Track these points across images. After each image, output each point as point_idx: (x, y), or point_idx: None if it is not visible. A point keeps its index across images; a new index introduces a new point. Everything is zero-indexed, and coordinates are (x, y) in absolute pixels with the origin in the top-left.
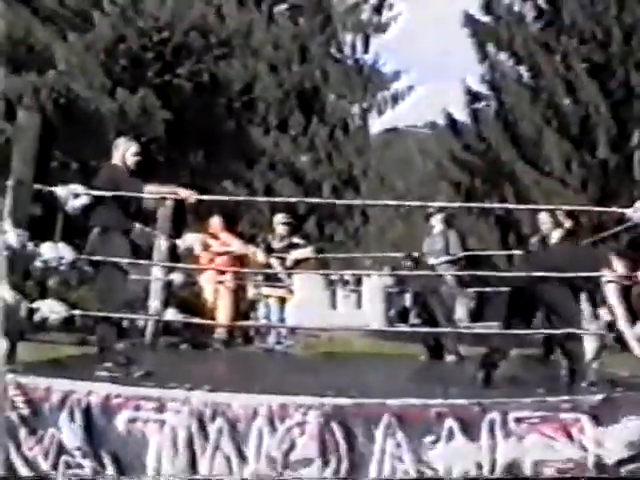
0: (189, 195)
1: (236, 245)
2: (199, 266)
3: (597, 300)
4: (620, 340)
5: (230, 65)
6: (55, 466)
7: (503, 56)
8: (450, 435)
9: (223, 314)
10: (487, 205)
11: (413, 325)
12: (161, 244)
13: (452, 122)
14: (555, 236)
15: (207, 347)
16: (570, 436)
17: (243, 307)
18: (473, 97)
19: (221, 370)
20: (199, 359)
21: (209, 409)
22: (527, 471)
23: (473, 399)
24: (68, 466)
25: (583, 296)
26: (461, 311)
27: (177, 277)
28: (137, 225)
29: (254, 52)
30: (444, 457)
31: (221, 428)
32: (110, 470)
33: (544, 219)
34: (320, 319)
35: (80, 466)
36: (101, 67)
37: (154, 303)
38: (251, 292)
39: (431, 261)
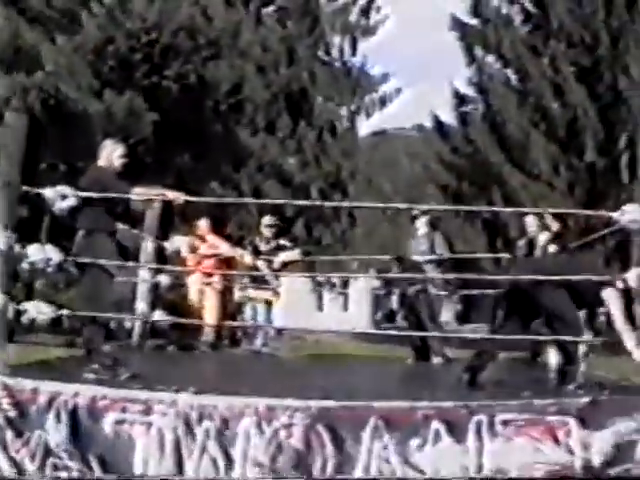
0: (177, 197)
1: (223, 247)
2: (186, 268)
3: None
4: (608, 344)
5: (218, 66)
6: (42, 468)
7: (491, 59)
8: (437, 437)
9: (210, 316)
10: (474, 208)
11: (400, 327)
12: (148, 246)
13: (440, 125)
14: (542, 239)
15: (194, 349)
16: (557, 439)
17: (230, 309)
18: (461, 100)
19: (208, 372)
20: (186, 361)
21: (196, 411)
22: (513, 474)
23: (460, 401)
24: (55, 468)
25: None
26: (448, 313)
27: (164, 279)
28: (121, 226)
29: (242, 54)
30: (431, 459)
31: (208, 430)
32: (97, 472)
33: (531, 222)
34: (307, 321)
35: (67, 468)
36: (89, 68)
37: (141, 305)
38: (238, 294)
39: (416, 258)
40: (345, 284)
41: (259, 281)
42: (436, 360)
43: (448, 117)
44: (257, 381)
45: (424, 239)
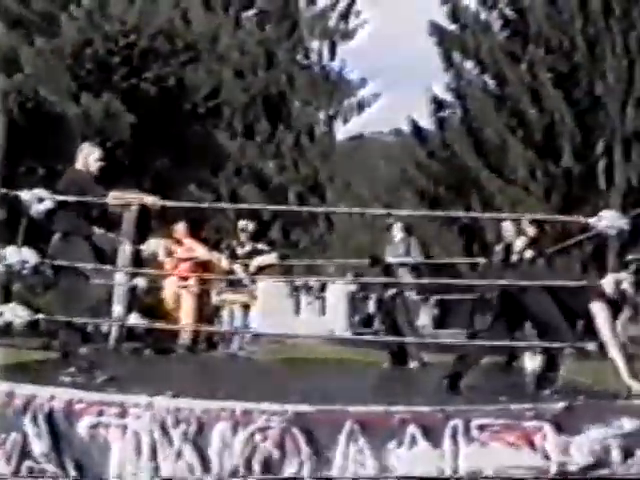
0: (153, 202)
1: (200, 251)
2: (163, 271)
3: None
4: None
5: (196, 70)
6: (17, 471)
7: (469, 64)
8: (413, 442)
9: (187, 320)
10: (452, 213)
11: (377, 331)
12: (125, 249)
13: (417, 129)
14: (519, 244)
15: (171, 352)
16: (533, 444)
17: (207, 313)
18: (438, 105)
19: (184, 375)
20: (162, 364)
21: (172, 415)
22: (489, 478)
23: (436, 406)
24: (31, 471)
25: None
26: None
27: (141, 282)
28: (97, 230)
29: (220, 57)
30: (406, 463)
31: (184, 434)
32: (73, 475)
33: (508, 227)
34: (284, 325)
35: (43, 471)
36: (68, 71)
37: (117, 308)
38: (215, 298)
39: (389, 260)
40: (322, 288)
41: (236, 285)
42: (413, 364)
43: (426, 122)
44: (233, 384)
45: (401, 244)
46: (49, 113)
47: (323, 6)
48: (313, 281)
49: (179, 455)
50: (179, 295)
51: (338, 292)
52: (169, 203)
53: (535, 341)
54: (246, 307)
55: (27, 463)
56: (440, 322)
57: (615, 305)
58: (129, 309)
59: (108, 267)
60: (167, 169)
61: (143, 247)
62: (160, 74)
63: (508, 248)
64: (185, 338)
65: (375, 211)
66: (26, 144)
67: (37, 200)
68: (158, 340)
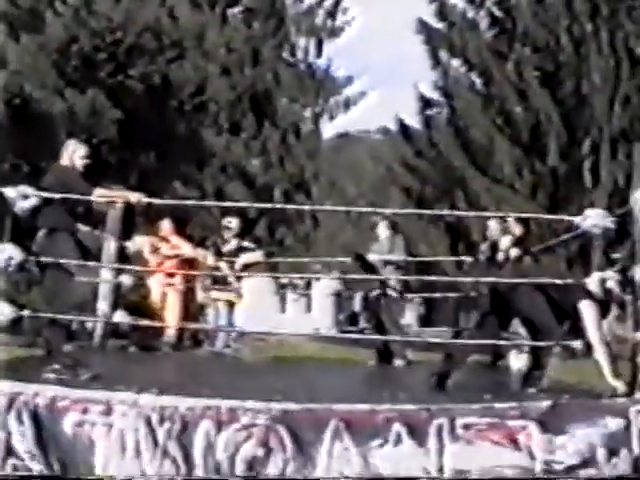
0: (138, 199)
1: (186, 248)
2: (148, 268)
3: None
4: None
5: (182, 67)
6: (2, 468)
7: (456, 63)
8: (398, 440)
9: (172, 317)
10: (437, 212)
11: (363, 329)
12: (110, 246)
13: (404, 128)
14: (504, 243)
15: (156, 350)
16: (517, 443)
17: (192, 310)
18: (425, 103)
19: (169, 373)
20: (148, 362)
21: (157, 412)
22: (474, 477)
23: (421, 404)
24: (15, 469)
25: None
26: (411, 316)
27: (126, 279)
28: (81, 227)
29: (206, 54)
30: (391, 461)
31: (169, 431)
32: (57, 473)
33: (494, 226)
34: (269, 323)
35: (28, 469)
36: (53, 67)
37: (102, 305)
38: (200, 295)
39: (375, 259)
40: (308, 286)
41: (221, 282)
42: (398, 362)
43: (413, 120)
44: (219, 382)
45: (386, 242)
46: (34, 110)
47: (310, 3)
48: (299, 278)
49: (164, 453)
50: (164, 293)
51: (324, 290)
52: (154, 201)
53: (521, 340)
54: (231, 305)
55: (11, 461)
56: (425, 320)
57: (603, 304)
58: (114, 306)
59: (94, 264)
60: (152, 166)
61: (128, 244)
62: (146, 71)
63: (494, 246)
64: (170, 336)
65: (361, 209)
66: (11, 141)
67: (22, 197)
68: (143, 337)
